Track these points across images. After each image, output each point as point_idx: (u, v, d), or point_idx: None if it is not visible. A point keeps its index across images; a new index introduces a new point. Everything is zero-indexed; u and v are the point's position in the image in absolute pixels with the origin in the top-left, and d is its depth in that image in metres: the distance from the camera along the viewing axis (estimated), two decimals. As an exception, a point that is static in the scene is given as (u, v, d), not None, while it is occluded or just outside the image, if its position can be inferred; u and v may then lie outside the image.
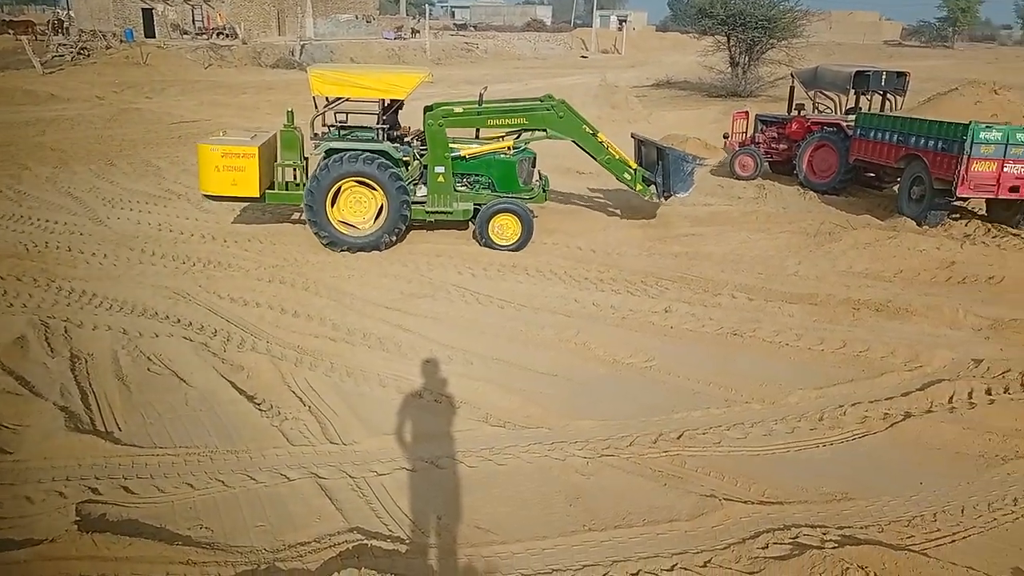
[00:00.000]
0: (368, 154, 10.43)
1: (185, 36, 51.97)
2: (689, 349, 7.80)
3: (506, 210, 10.94)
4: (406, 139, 11.49)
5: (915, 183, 12.50)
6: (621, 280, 9.71)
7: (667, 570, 4.60)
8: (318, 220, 10.54)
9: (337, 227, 10.64)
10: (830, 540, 4.81)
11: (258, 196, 10.91)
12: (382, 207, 10.60)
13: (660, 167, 11.79)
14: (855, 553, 4.64)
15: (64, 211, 12.65)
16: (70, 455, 5.61)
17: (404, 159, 10.86)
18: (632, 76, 41.40)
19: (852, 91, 15.64)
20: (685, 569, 4.61)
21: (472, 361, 7.38)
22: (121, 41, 44.46)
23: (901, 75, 15.60)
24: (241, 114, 25.62)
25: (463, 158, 11.25)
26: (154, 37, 50.14)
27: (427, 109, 11.32)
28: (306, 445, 5.91)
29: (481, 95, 11.48)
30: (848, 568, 4.52)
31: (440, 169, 10.97)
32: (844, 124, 14.91)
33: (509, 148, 11.45)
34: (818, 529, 4.93)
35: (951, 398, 6.69)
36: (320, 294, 9.11)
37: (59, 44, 39.56)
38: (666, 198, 11.90)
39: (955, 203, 12.34)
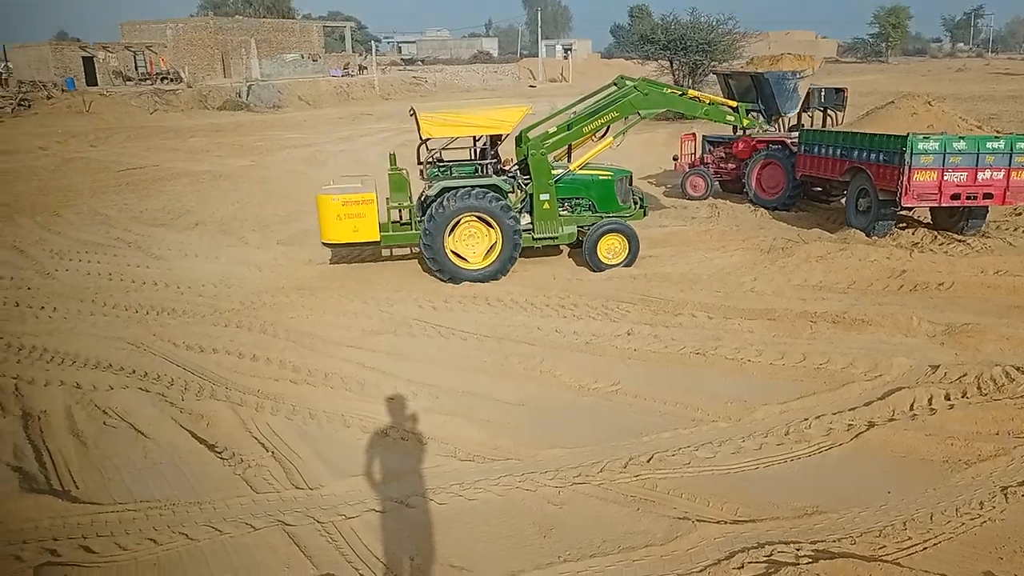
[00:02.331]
0: (480, 189, 10.71)
1: (128, 82, 51.39)
2: (653, 371, 7.83)
3: (614, 230, 11.26)
4: (507, 170, 11.64)
5: (861, 195, 12.81)
6: (582, 305, 9.74)
7: (646, 596, 4.56)
8: (437, 257, 10.72)
9: (454, 262, 10.82)
10: (804, 555, 4.82)
11: (378, 240, 11.05)
12: (496, 239, 10.82)
13: (758, 94, 11.87)
14: (829, 567, 4.66)
15: (9, 265, 12.31)
16: (26, 517, 5.40)
17: (509, 191, 11.11)
18: (580, 103, 41.84)
19: (795, 109, 16.02)
20: (663, 594, 4.57)
21: (438, 395, 7.30)
22: (62, 91, 43.87)
23: (840, 91, 16.04)
24: (192, 157, 25.38)
25: (570, 174, 11.53)
26: (96, 85, 49.48)
27: (518, 141, 11.63)
28: (271, 492, 5.77)
29: (573, 114, 11.87)
30: (824, 582, 4.54)
31: (545, 196, 11.25)
32: (789, 141, 15.25)
33: (614, 144, 11.86)
34: (792, 545, 4.94)
35: (912, 405, 6.78)
36: (279, 336, 8.97)
37: (-2, 96, 38.85)
38: (775, 121, 11.98)
39: (901, 213, 12.67)
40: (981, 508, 5.28)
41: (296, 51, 63.93)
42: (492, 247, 10.92)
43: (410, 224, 11.28)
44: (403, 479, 5.92)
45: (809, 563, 4.72)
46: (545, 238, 11.41)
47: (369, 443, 6.47)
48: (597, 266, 11.27)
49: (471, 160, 11.53)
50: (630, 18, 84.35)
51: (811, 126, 15.77)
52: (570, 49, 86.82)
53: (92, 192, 19.20)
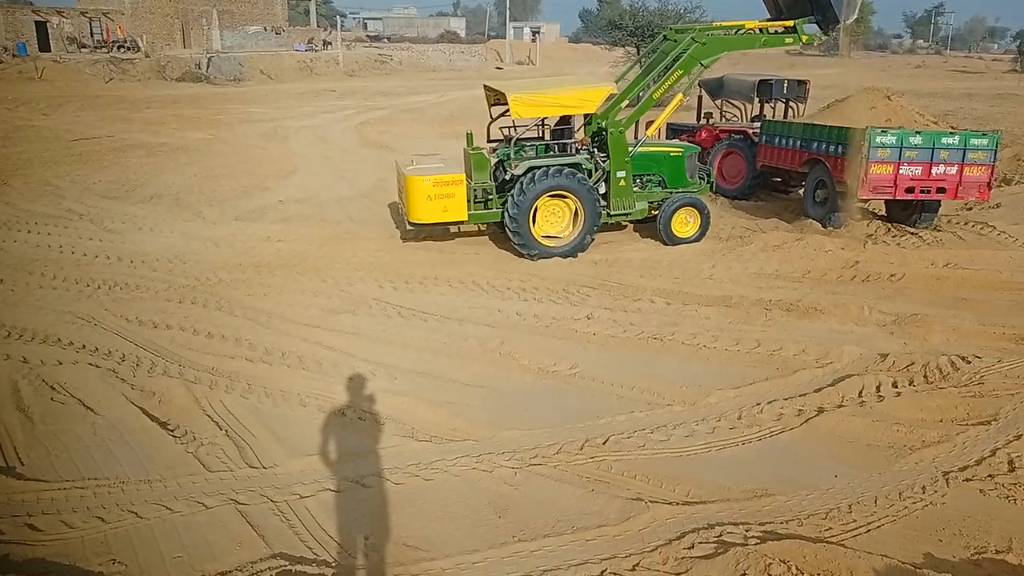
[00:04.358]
0: (566, 168, 10.90)
1: (83, 50, 49.93)
2: (612, 355, 7.90)
3: (688, 204, 11.80)
4: (582, 148, 11.70)
5: (819, 187, 13.01)
6: (543, 289, 9.76)
7: (597, 576, 4.63)
8: (522, 234, 10.95)
9: (537, 239, 11.05)
10: (753, 536, 4.93)
11: (466, 219, 11.22)
12: (577, 216, 11.13)
13: (812, 3, 11.85)
14: (777, 548, 4.77)
15: (-46, 235, 11.94)
16: (-33, 494, 5.28)
17: (590, 168, 11.30)
18: (546, 87, 41.74)
19: (756, 99, 16.15)
20: (615, 574, 4.64)
21: (396, 376, 7.28)
22: (13, 55, 42.51)
23: (802, 83, 16.21)
24: (147, 129, 24.79)
25: (642, 150, 11.85)
26: (49, 51, 48.01)
27: (587, 121, 11.77)
28: (224, 471, 5.71)
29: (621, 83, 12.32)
30: (771, 563, 4.64)
31: (621, 173, 11.46)
32: (750, 131, 15.41)
33: (683, 100, 12.27)
34: (741, 526, 5.05)
35: (860, 392, 6.95)
36: (235, 313, 8.85)
37: (-56, 59, 37.54)
38: (832, 29, 12.04)
39: (856, 205, 12.89)
40: (923, 492, 5.44)
41: (259, 23, 62.64)
42: (572, 224, 11.15)
43: (483, 203, 11.38)
44: (359, 459, 5.90)
45: (757, 544, 4.82)
46: (620, 214, 11.69)
47: (325, 422, 6.43)
48: (672, 240, 11.69)
49: (542, 139, 11.87)
50: (599, 3, 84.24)
51: (773, 117, 15.96)
52: (538, 32, 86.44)
53: (43, 162, 18.65)
